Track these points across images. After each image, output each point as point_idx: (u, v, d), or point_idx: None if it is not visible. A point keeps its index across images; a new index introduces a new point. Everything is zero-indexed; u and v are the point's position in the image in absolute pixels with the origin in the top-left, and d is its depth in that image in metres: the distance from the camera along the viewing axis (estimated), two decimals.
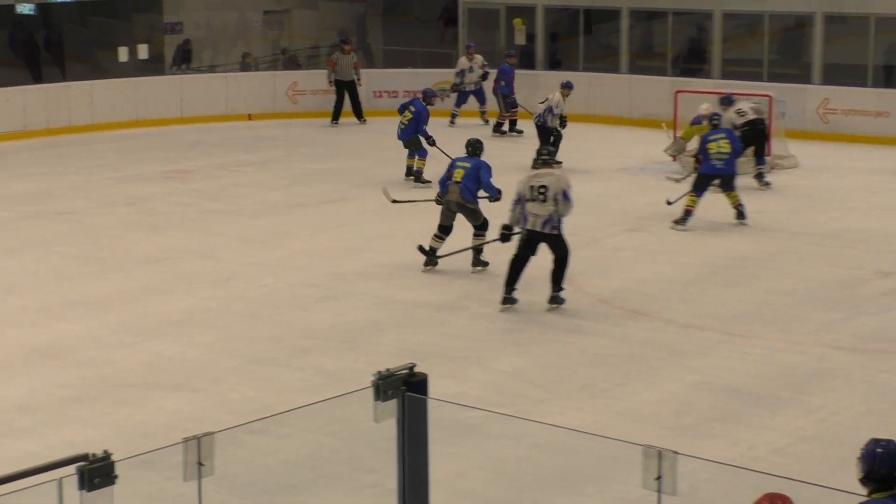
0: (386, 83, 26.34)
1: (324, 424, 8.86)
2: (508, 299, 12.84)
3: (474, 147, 14.61)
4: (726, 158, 16.28)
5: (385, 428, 6.10)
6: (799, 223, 16.73)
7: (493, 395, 10.45)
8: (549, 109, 20.18)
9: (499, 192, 14.18)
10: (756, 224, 16.59)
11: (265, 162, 21.67)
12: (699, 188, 16.35)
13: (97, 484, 4.71)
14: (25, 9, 26.73)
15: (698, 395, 10.62)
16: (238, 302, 13.42)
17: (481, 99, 24.63)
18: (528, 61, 27.42)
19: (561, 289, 12.88)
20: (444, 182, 14.39)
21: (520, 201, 12.80)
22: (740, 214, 16.47)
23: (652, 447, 5.36)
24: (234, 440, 7.60)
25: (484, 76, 24.50)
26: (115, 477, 4.79)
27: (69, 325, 12.62)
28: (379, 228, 16.47)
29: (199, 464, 5.07)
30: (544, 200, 12.64)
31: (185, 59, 28.73)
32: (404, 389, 5.89)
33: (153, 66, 27.42)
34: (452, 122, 24.29)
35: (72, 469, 4.82)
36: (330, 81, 24.95)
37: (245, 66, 28.07)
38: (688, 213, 16.28)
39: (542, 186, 12.68)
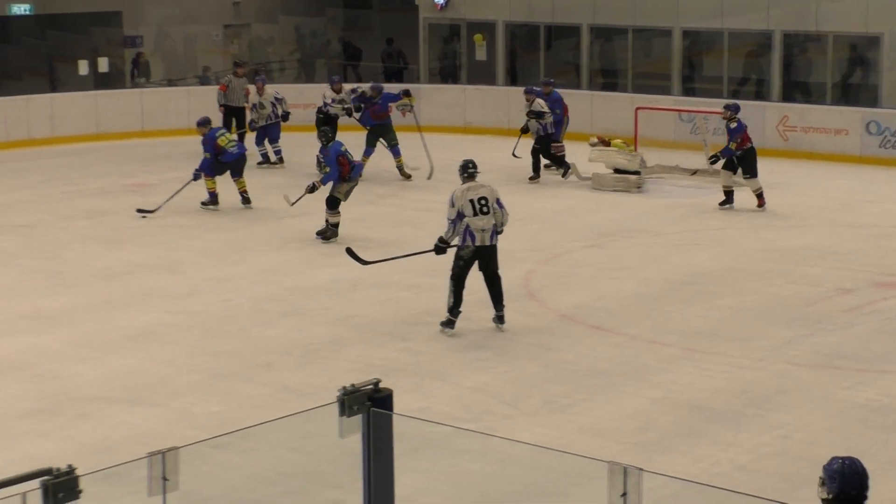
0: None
1: (288, 439, 8.83)
2: (453, 322, 12.63)
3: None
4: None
5: (349, 443, 6.09)
6: (758, 240, 16.82)
7: (458, 411, 10.45)
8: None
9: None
10: (716, 240, 16.69)
11: (226, 176, 21.54)
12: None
13: (61, 499, 4.68)
14: None
15: (660, 410, 10.64)
16: (199, 316, 13.36)
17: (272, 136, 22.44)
18: (488, 77, 27.50)
19: (504, 306, 12.85)
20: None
21: (459, 218, 12.47)
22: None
23: (617, 464, 5.37)
24: (199, 455, 7.56)
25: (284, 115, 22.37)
26: (80, 491, 4.76)
27: (29, 339, 12.53)
28: (340, 243, 16.43)
29: (164, 478, 5.05)
30: (487, 212, 12.52)
31: (143, 73, 28.66)
32: (369, 405, 5.87)
33: (113, 80, 27.33)
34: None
35: (36, 483, 4.78)
36: (220, 105, 23.18)
37: (205, 79, 28.01)
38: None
39: (482, 198, 12.53)
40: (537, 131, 20.62)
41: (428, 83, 28.17)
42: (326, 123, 21.01)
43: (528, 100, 20.72)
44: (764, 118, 23.01)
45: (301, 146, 21.80)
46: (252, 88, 22.47)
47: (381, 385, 5.97)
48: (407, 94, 21.39)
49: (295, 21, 31.97)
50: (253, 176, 19.65)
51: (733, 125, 18.38)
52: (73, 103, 25.17)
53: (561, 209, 18.75)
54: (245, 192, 18.86)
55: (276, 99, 22.21)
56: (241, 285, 14.57)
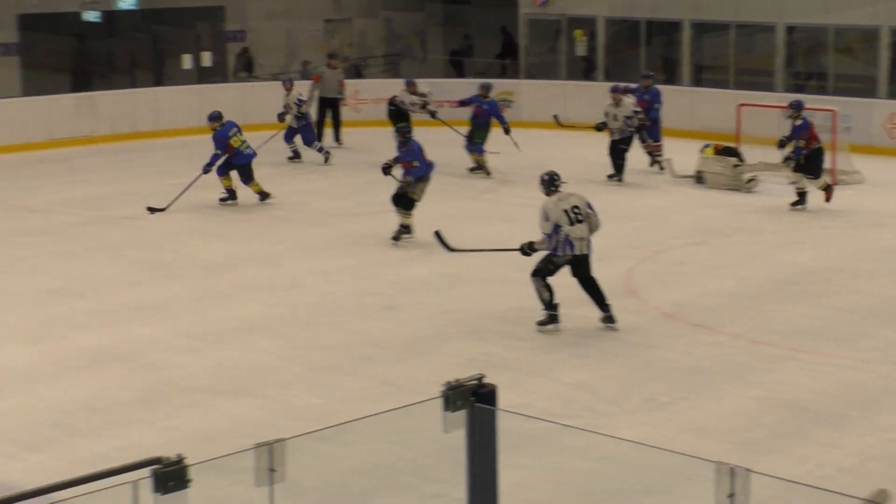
0: (446, 93, 26.31)
1: (390, 433, 8.86)
2: (555, 317, 12.55)
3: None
4: None
5: (450, 438, 6.09)
6: (863, 239, 16.59)
7: (557, 408, 10.42)
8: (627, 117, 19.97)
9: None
10: (819, 239, 16.49)
11: (328, 170, 21.76)
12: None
13: (171, 487, 4.73)
14: (91, 16, 26.99)
15: (763, 410, 10.53)
16: (302, 309, 13.46)
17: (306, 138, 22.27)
18: (587, 73, 27.41)
19: (609, 304, 12.74)
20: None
21: (555, 230, 12.32)
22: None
23: (724, 464, 5.31)
24: (301, 447, 7.61)
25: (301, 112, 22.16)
26: (189, 481, 4.81)
27: (136, 329, 12.71)
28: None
29: (271, 469, 5.09)
30: (582, 220, 12.38)
31: (246, 67, 28.93)
32: (473, 400, 5.86)
33: (216, 74, 27.63)
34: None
35: (146, 472, 4.85)
36: (312, 97, 23.58)
37: (306, 74, 28.19)
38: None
39: (575, 207, 12.40)
40: (620, 131, 20.08)
41: (527, 79, 28.13)
42: (400, 119, 21.26)
43: (613, 99, 20.01)
44: (871, 115, 22.68)
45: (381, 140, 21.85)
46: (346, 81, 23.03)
47: (485, 381, 5.96)
48: (486, 88, 21.23)
49: (394, 16, 32.06)
50: (342, 171, 19.70)
51: (798, 122, 18.04)
52: (177, 97, 25.50)
53: (662, 206, 18.63)
54: (261, 191, 18.74)
55: (298, 101, 21.97)
56: (341, 279, 14.66)
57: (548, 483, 8.91)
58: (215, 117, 18.59)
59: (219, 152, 18.30)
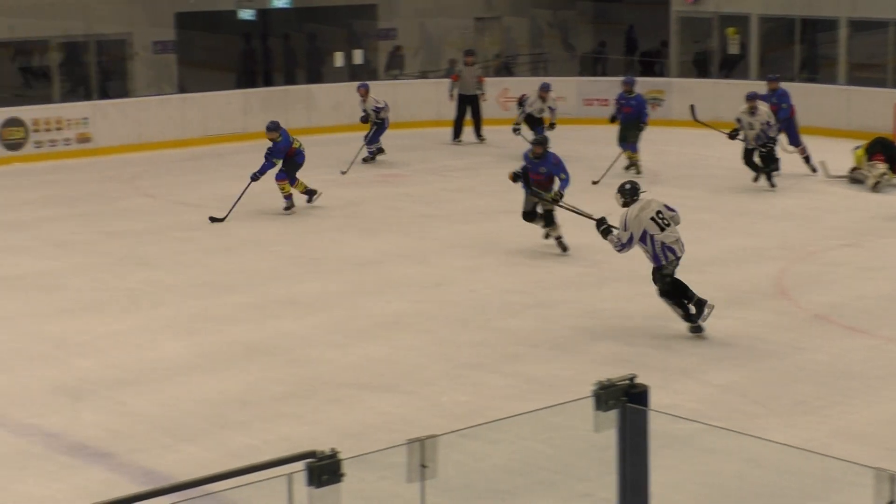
0: (597, 91, 26.21)
1: (538, 431, 8.82)
2: (699, 328, 12.24)
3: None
4: None
5: (598, 437, 6.03)
6: None
7: (706, 409, 10.26)
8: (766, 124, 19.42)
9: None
10: None
11: (475, 167, 21.80)
12: None
13: (324, 481, 4.75)
14: (246, 14, 27.39)
15: None
16: (448, 306, 13.48)
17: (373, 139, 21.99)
18: (741, 71, 27.04)
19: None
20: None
21: (630, 242, 12.06)
22: None
23: (884, 470, 5.17)
24: (448, 443, 7.61)
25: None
26: (342, 475, 4.83)
27: (284, 324, 12.85)
28: (589, 237, 16.37)
29: (423, 466, 5.08)
30: (669, 223, 12.12)
31: (397, 65, 29.11)
32: (625, 400, 5.79)
33: (367, 72, 27.85)
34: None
35: (300, 465, 4.88)
36: (451, 95, 24.15)
37: (451, 71, 28.27)
38: None
39: (659, 212, 12.14)
40: (756, 138, 19.18)
41: (679, 76, 27.83)
42: (531, 122, 21.65)
43: (749, 106, 19.18)
44: None
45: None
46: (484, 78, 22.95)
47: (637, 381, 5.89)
48: (630, 84, 20.97)
49: (543, 13, 31.97)
50: (489, 169, 19.67)
51: None
52: (329, 94, 25.77)
53: (815, 206, 18.28)
54: (307, 189, 18.38)
55: (376, 108, 21.64)
56: (487, 276, 14.65)
57: (698, 485, 8.78)
58: (274, 128, 18.05)
59: (275, 161, 17.90)
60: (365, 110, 21.82)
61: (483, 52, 29.54)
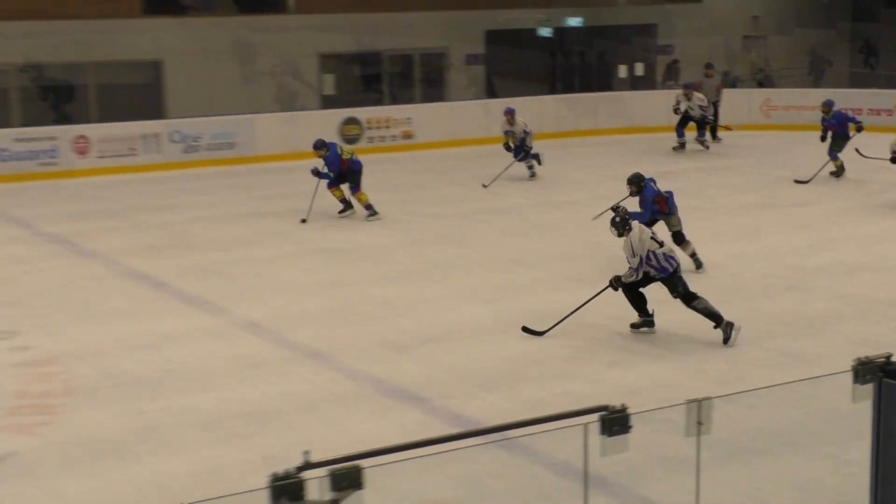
0: (850, 103, 25.20)
1: (792, 400, 8.59)
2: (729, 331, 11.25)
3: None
4: None
5: (845, 408, 5.83)
6: None
7: None
8: None
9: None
10: None
11: (740, 167, 21.31)
12: None
13: (615, 431, 4.76)
14: (545, 32, 27.54)
15: None
16: (712, 289, 13.18)
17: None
18: None
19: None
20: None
21: (642, 264, 11.19)
22: None
23: None
24: (715, 406, 7.51)
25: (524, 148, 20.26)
26: (630, 427, 4.83)
27: (571, 296, 12.72)
28: (844, 230, 15.83)
29: (699, 423, 5.04)
30: (661, 239, 11.45)
31: (673, 77, 28.75)
32: (881, 376, 5.59)
33: (647, 82, 27.61)
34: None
35: (593, 417, 4.90)
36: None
37: (725, 83, 27.77)
38: None
39: (651, 232, 11.40)
40: None
41: None
42: (684, 123, 21.83)
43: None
44: None
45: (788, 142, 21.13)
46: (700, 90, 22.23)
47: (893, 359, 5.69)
48: (828, 105, 19.98)
49: (807, 33, 30.99)
50: (750, 169, 19.18)
51: None
52: (613, 101, 25.65)
53: None
54: (368, 204, 17.07)
55: (525, 131, 20.22)
56: (752, 263, 14.30)
57: None
58: (320, 146, 17.06)
59: (332, 174, 16.96)
60: (512, 133, 20.12)
61: (749, 67, 28.92)
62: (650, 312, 11.62)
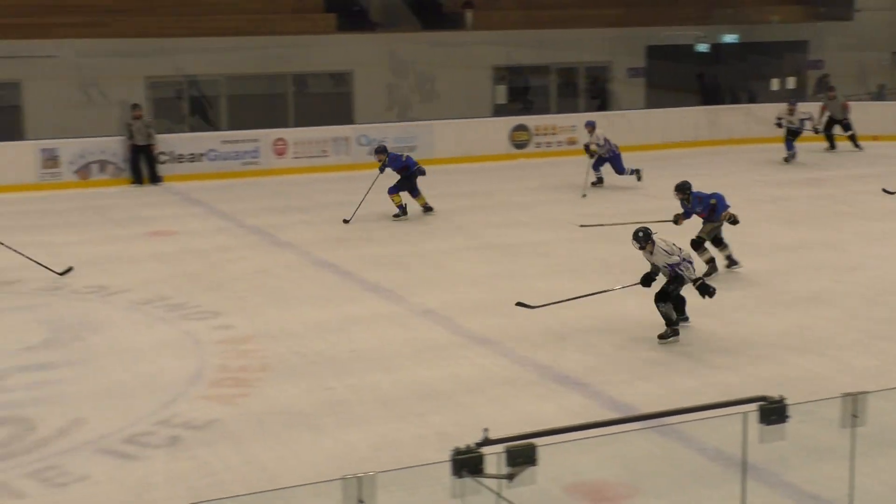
0: None
1: None
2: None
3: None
4: None
5: None
6: None
7: None
8: None
9: None
10: None
11: (887, 175, 20.45)
12: None
13: (772, 420, 4.60)
14: (702, 48, 27.04)
15: None
16: (860, 287, 12.74)
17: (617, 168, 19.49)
18: None
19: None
20: None
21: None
22: None
23: None
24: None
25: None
26: (788, 417, 4.66)
27: (727, 294, 12.26)
28: None
29: (854, 416, 4.83)
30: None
31: (822, 90, 27.86)
32: None
33: (797, 94, 26.80)
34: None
35: (752, 407, 4.74)
36: (821, 118, 22.82)
37: (877, 96, 26.81)
38: None
39: (666, 240, 10.90)
40: None
41: None
42: (790, 135, 21.48)
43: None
44: None
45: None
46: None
47: None
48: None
49: None
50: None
51: None
52: (762, 112, 24.99)
53: None
54: (426, 205, 16.95)
55: (600, 144, 19.22)
56: (893, 264, 13.73)
57: None
58: (381, 150, 16.86)
59: (399, 172, 16.79)
60: (592, 143, 19.30)
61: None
62: (686, 316, 11.12)
